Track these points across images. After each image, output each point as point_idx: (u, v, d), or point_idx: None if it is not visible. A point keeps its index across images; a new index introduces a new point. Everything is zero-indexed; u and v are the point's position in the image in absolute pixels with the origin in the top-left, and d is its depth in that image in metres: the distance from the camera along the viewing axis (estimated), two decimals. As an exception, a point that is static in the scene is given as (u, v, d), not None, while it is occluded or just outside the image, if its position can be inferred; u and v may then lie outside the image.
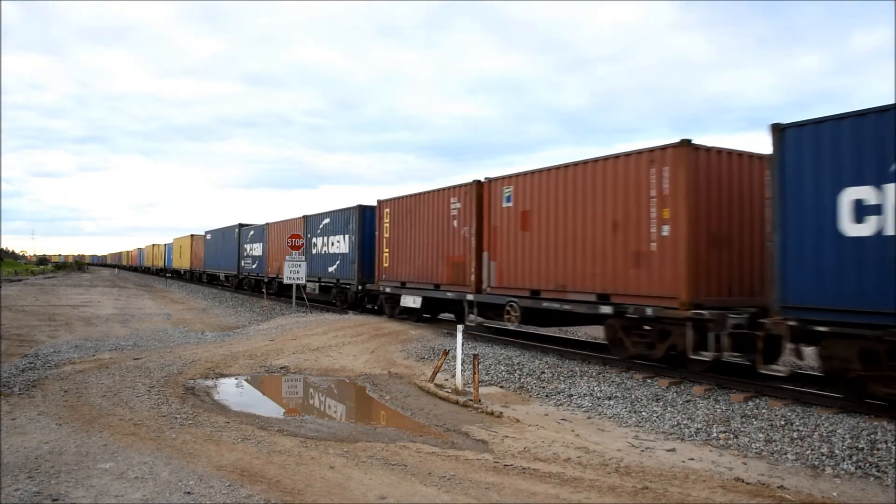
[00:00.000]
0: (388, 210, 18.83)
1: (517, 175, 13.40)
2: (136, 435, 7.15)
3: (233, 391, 10.34)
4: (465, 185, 15.12)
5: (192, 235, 48.18)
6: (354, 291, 21.15)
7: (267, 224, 30.21)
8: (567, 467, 6.30)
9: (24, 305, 25.09)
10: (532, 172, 12.95)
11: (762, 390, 9.13)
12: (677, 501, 5.41)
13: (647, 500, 5.42)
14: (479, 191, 14.66)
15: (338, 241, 22.34)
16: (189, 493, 5.38)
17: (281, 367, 12.07)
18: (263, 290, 27.75)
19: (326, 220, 23.44)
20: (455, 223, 15.43)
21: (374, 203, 20.01)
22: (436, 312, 18.38)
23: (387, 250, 18.83)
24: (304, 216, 25.46)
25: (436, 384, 10.23)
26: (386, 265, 18.87)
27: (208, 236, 42.57)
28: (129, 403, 8.70)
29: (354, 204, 21.21)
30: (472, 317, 14.95)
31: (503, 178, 13.88)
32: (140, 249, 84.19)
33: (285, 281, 23.42)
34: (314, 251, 24.36)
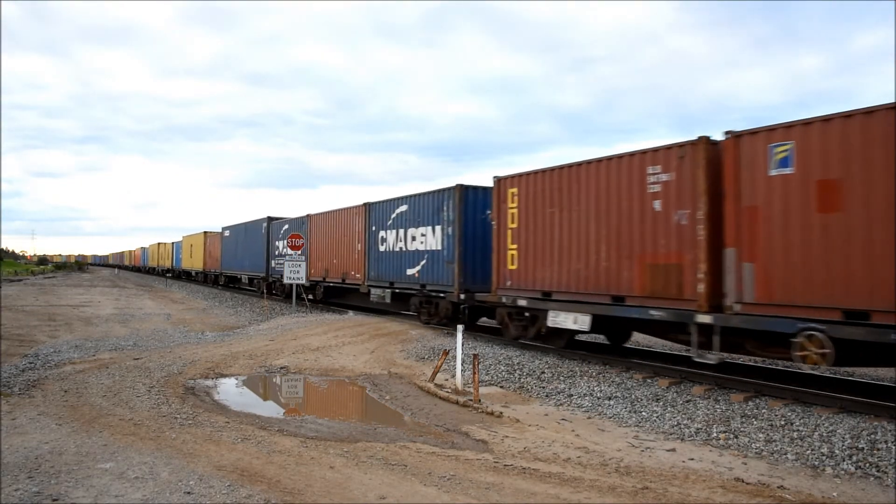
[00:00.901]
0: (514, 190, 13.62)
1: (802, 124, 8.51)
2: (136, 435, 7.15)
3: (233, 391, 10.34)
4: (681, 144, 10.07)
5: (205, 232, 42.96)
6: (453, 301, 15.90)
7: (308, 216, 25.27)
8: (567, 467, 6.30)
9: (24, 305, 25.10)
10: (843, 116, 8.11)
11: (762, 390, 9.13)
12: (677, 501, 5.41)
13: (647, 500, 5.43)
14: (712, 154, 9.65)
15: (423, 235, 17.27)
16: (189, 493, 5.38)
17: (281, 367, 12.07)
18: (305, 297, 23.87)
19: (403, 208, 18.34)
20: (657, 204, 10.38)
21: (479, 183, 15.90)
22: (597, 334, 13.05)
23: (514, 246, 13.62)
24: (365, 204, 20.41)
25: (436, 384, 10.23)
26: (513, 267, 13.63)
27: (226, 233, 37.26)
28: (129, 403, 8.70)
29: (451, 184, 16.11)
30: (705, 353, 9.77)
31: (769, 130, 8.90)
32: (144, 249, 79.95)
33: (285, 281, 22.95)
34: (382, 248, 19.44)
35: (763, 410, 8.28)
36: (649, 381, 10.23)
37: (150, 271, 72.67)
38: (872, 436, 7.02)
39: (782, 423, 7.72)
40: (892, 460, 6.37)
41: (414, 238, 17.76)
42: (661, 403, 8.91)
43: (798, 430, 7.44)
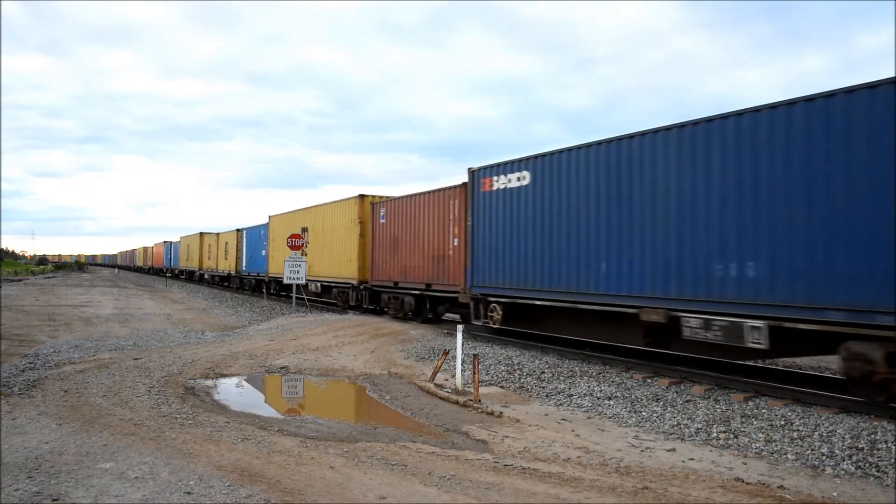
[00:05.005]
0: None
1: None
2: (136, 435, 7.15)
3: (233, 391, 10.33)
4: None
5: (362, 196, 20.89)
6: None
7: None
8: (567, 467, 6.29)
9: (24, 305, 25.09)
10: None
11: (762, 390, 9.13)
12: (677, 501, 5.41)
13: (647, 500, 5.42)
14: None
15: None
16: (189, 493, 5.38)
17: (281, 367, 12.06)
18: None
19: None
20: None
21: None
22: None
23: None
24: None
25: (436, 384, 10.23)
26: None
27: (524, 179, 12.98)
28: (130, 403, 8.69)
29: None
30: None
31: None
32: (170, 244, 59.81)
33: (285, 281, 22.71)
34: None
35: (763, 410, 8.28)
36: (649, 381, 10.23)
37: (193, 277, 49.00)
38: (872, 436, 7.02)
39: (782, 423, 7.71)
40: (892, 460, 6.37)
41: None
42: (661, 403, 8.91)
43: (798, 430, 7.44)
